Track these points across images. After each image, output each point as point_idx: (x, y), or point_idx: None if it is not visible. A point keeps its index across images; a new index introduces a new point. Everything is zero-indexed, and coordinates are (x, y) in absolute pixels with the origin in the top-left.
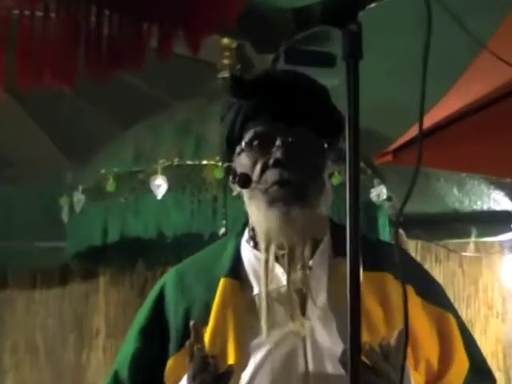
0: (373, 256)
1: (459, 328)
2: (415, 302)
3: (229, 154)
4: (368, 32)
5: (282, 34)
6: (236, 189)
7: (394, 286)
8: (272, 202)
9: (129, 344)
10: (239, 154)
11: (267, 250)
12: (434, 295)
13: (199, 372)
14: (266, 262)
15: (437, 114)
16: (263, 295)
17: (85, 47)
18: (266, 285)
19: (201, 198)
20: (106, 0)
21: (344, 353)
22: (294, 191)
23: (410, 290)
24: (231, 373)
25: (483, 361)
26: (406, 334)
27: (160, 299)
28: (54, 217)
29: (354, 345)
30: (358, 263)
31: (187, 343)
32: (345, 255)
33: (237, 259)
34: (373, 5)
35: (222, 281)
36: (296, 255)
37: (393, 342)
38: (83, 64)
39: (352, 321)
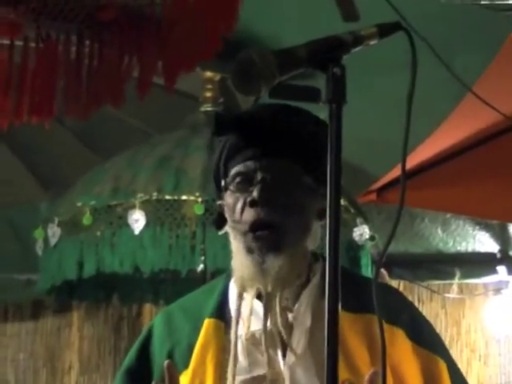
0: (360, 297)
1: (450, 373)
2: (405, 345)
3: (219, 192)
4: (355, 70)
5: (264, 75)
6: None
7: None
8: (248, 251)
9: None
10: (225, 192)
11: (240, 297)
12: (425, 339)
13: None
14: (238, 308)
15: (422, 154)
16: (232, 342)
17: (64, 79)
18: (236, 332)
19: (179, 233)
20: (87, 30)
21: None
22: (271, 237)
23: (400, 333)
24: None
25: None
26: (384, 378)
27: (147, 340)
28: (28, 249)
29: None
30: (337, 302)
31: None
32: None
33: (223, 300)
34: (358, 48)
35: (206, 322)
36: (273, 300)
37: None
38: (63, 98)
39: (329, 361)
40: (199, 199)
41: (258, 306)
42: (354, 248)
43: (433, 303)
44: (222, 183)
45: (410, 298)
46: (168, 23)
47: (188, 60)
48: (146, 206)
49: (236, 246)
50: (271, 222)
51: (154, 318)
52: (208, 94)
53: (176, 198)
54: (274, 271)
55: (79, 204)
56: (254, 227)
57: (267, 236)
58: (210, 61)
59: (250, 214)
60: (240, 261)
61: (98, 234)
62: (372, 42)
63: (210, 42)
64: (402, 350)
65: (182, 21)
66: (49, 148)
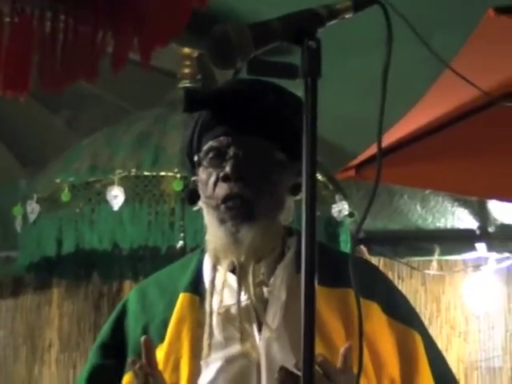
0: (336, 271)
1: (426, 347)
2: (380, 319)
3: (192, 168)
4: (333, 47)
5: (240, 49)
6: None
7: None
8: (221, 222)
9: (89, 359)
10: (198, 167)
11: (214, 269)
12: (400, 312)
13: None
14: (212, 281)
15: (400, 130)
16: (207, 315)
17: (39, 54)
18: (210, 305)
19: (158, 210)
20: (62, 5)
21: (279, 371)
22: (243, 208)
23: (376, 307)
24: None
25: (453, 381)
26: (360, 354)
27: (122, 315)
28: (7, 226)
29: (307, 359)
30: (313, 276)
31: (129, 360)
32: None
33: (198, 274)
34: (333, 22)
35: (180, 296)
36: (247, 273)
37: (340, 359)
38: (37, 73)
39: (305, 336)
40: (178, 175)
41: (233, 280)
42: (333, 224)
43: (412, 280)
44: (195, 158)
45: (389, 275)
46: None
47: (162, 35)
48: (124, 183)
49: (209, 219)
50: (243, 196)
51: None
52: (186, 71)
53: (155, 174)
54: (248, 241)
55: (58, 181)
56: (227, 200)
57: (239, 206)
58: (186, 36)
59: (222, 189)
60: (213, 233)
61: (77, 210)
62: (347, 16)
63: (181, 16)
64: (378, 324)
65: None
66: (27, 126)
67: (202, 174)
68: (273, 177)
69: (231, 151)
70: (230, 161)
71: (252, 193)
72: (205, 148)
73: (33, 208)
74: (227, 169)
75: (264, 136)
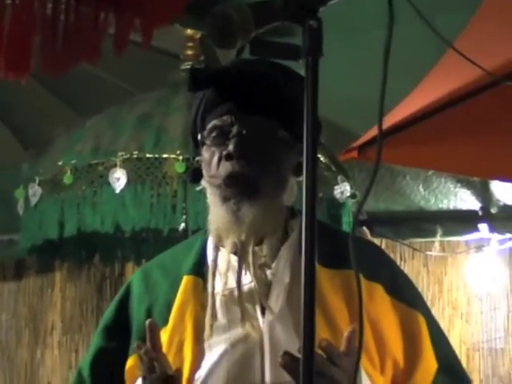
0: (340, 252)
1: (429, 328)
2: (384, 300)
3: (196, 147)
4: (335, 27)
5: (241, 28)
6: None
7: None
8: (224, 200)
9: (93, 342)
10: (202, 147)
11: (216, 248)
12: (404, 294)
13: (148, 373)
14: (214, 260)
15: (403, 111)
16: (209, 294)
17: (41, 36)
18: (213, 285)
19: (160, 192)
20: None
21: (283, 356)
22: (245, 185)
23: (379, 288)
24: (178, 376)
25: (455, 361)
26: (360, 338)
27: (126, 297)
28: (9, 209)
29: (308, 341)
30: (313, 258)
31: (134, 345)
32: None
33: (202, 256)
34: (334, 0)
35: (184, 278)
36: (247, 253)
37: (344, 342)
38: (39, 55)
39: (306, 317)
40: (180, 157)
41: (236, 262)
42: (335, 206)
43: (415, 261)
44: (199, 137)
45: (392, 256)
46: None
47: (163, 15)
48: (126, 165)
49: (212, 199)
50: (246, 175)
51: None
52: (189, 52)
53: (157, 156)
54: (249, 219)
55: (60, 163)
56: (229, 179)
57: (241, 183)
58: (188, 17)
59: (225, 167)
60: (215, 211)
61: (79, 193)
62: None
63: None
64: (381, 305)
65: None
66: (29, 109)
67: (205, 153)
68: (276, 155)
69: (234, 130)
70: (233, 139)
71: (255, 171)
72: (208, 127)
73: (35, 191)
74: (230, 147)
75: (268, 115)
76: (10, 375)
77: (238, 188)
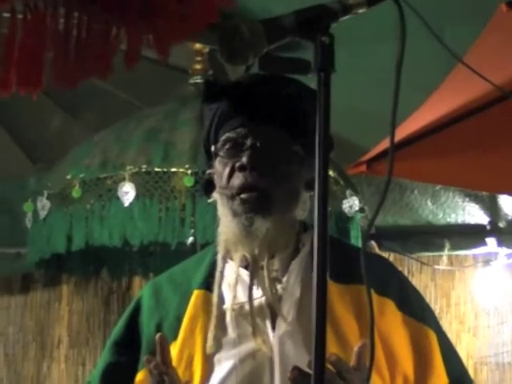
0: (350, 267)
1: (440, 343)
2: (395, 316)
3: (209, 160)
4: (346, 40)
5: (253, 45)
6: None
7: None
8: (235, 214)
9: (103, 356)
10: (215, 159)
11: (223, 260)
12: (414, 309)
13: None
14: (221, 272)
15: (412, 125)
16: (214, 306)
17: (52, 51)
18: (219, 297)
19: (169, 206)
20: (75, 2)
21: (292, 370)
22: (258, 201)
23: (390, 304)
24: None
25: (466, 377)
26: (372, 353)
27: (136, 312)
28: (17, 222)
29: (319, 357)
30: (325, 273)
31: (144, 359)
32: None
33: (212, 270)
34: (346, 17)
35: (194, 293)
36: (260, 268)
37: (354, 357)
38: (51, 70)
39: (317, 332)
40: (189, 171)
41: (246, 276)
42: (344, 220)
43: (422, 275)
44: (212, 149)
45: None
46: None
47: (181, 31)
48: (135, 179)
49: (222, 211)
50: (259, 187)
51: None
52: (197, 66)
53: (165, 170)
54: (262, 234)
55: (68, 177)
56: (242, 191)
57: (254, 199)
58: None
59: (238, 179)
60: (226, 223)
61: (88, 206)
62: (360, 11)
63: (206, 13)
64: (392, 321)
65: None
66: (37, 122)
67: (218, 164)
68: (289, 168)
69: (248, 142)
70: (247, 151)
71: (267, 183)
72: (222, 139)
73: (43, 204)
74: (244, 159)
75: (282, 128)
76: None
77: (250, 205)
